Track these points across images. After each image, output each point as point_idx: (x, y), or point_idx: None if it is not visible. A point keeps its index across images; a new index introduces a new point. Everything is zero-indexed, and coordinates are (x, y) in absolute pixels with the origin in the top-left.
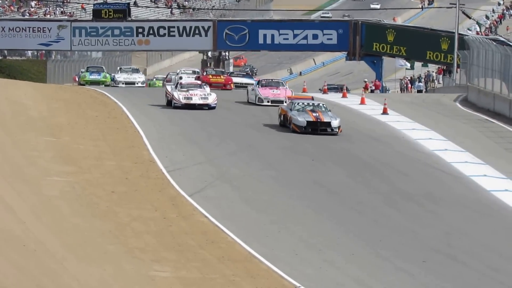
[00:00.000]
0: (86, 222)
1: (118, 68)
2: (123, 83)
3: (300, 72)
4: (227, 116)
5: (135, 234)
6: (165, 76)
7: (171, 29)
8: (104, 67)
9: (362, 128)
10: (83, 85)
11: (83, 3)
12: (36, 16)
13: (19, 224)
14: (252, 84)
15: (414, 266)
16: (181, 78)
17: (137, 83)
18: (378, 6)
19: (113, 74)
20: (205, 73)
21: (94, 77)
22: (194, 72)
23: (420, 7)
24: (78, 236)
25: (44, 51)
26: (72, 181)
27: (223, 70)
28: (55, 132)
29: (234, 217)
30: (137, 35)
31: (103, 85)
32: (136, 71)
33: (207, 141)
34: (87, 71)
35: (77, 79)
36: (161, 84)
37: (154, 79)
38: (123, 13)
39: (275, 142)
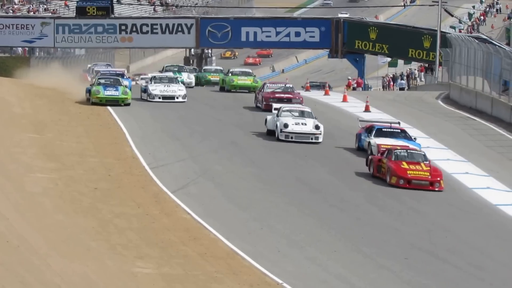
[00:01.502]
0: (69, 219)
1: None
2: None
3: (283, 70)
4: (210, 113)
5: (118, 231)
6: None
7: (154, 27)
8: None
9: (344, 126)
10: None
11: (66, 0)
12: (20, 13)
13: (2, 220)
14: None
15: (396, 263)
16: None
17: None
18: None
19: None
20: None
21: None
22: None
23: (403, 4)
24: (61, 233)
25: (27, 48)
26: (55, 178)
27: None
28: (38, 129)
29: (217, 214)
30: (120, 32)
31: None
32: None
33: (190, 138)
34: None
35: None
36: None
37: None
38: (106, 10)
39: (258, 139)
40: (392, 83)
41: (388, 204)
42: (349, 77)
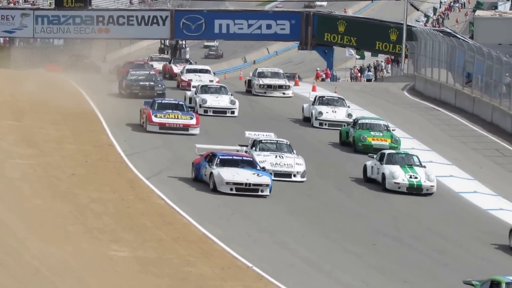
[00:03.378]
0: (47, 203)
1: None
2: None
3: (254, 61)
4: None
5: (94, 215)
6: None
7: (130, 18)
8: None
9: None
10: None
11: None
12: (0, 5)
13: None
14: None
15: (363, 248)
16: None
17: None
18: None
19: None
20: None
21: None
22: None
23: None
24: (39, 217)
25: (7, 38)
26: (33, 164)
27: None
28: (17, 116)
29: (190, 200)
30: (97, 24)
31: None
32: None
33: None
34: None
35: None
36: None
37: None
38: (84, 2)
39: (231, 127)
40: (359, 74)
41: (355, 191)
42: (318, 68)
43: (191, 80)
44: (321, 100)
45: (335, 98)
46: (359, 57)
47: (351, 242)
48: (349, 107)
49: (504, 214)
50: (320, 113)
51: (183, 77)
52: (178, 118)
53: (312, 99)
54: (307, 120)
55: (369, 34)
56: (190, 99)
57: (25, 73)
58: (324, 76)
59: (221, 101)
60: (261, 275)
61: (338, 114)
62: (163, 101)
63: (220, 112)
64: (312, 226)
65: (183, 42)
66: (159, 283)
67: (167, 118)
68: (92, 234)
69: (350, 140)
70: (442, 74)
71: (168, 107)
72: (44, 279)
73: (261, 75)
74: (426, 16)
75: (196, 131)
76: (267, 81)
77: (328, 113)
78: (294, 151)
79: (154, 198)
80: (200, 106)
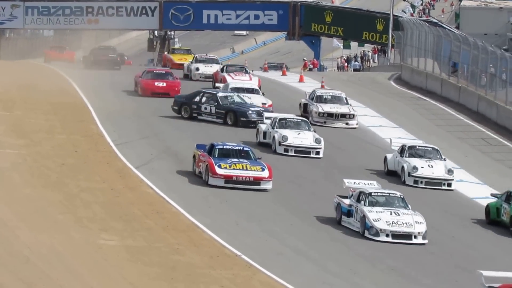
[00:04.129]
0: (37, 193)
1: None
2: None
3: (242, 51)
4: None
5: (83, 204)
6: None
7: (119, 9)
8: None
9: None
10: None
11: None
12: None
13: None
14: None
15: (350, 237)
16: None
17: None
18: None
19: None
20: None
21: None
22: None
23: None
24: (29, 206)
25: None
26: (24, 154)
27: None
28: (7, 107)
29: (179, 189)
30: (86, 15)
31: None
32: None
33: (153, 116)
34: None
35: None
36: None
37: None
38: None
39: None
40: (346, 64)
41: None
42: (305, 58)
43: None
44: (412, 151)
45: (429, 148)
46: (344, 47)
47: (339, 231)
48: (445, 159)
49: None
50: (415, 168)
51: None
52: (247, 169)
53: (398, 148)
54: (391, 174)
55: (356, 24)
56: (265, 133)
57: (15, 64)
58: (311, 66)
59: (304, 138)
60: (250, 264)
61: (436, 169)
62: (224, 147)
63: (303, 152)
64: (300, 214)
65: (172, 32)
66: (148, 272)
67: (234, 169)
68: (81, 223)
69: (505, 219)
70: (428, 64)
71: (232, 154)
72: (34, 267)
73: (320, 99)
74: (412, 6)
75: (269, 185)
76: (327, 108)
77: (424, 168)
78: (410, 206)
79: (143, 187)
80: (280, 144)
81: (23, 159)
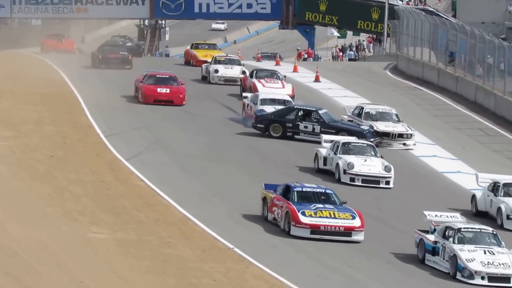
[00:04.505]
0: (26, 185)
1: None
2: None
3: (235, 41)
4: None
5: (73, 197)
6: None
7: None
8: None
9: (294, 95)
10: None
11: None
12: None
13: None
14: None
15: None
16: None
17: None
18: None
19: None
20: None
21: None
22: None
23: None
24: (17, 199)
25: None
26: (11, 145)
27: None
28: None
29: (170, 181)
30: (75, 3)
31: None
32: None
33: (144, 107)
34: None
35: None
36: None
37: None
38: None
39: (210, 108)
40: (341, 54)
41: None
42: (299, 48)
43: None
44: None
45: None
46: (340, 35)
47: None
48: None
49: None
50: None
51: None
52: (335, 217)
53: (489, 185)
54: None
55: (351, 13)
56: (325, 159)
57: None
58: (306, 55)
59: (372, 166)
60: (242, 257)
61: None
62: (304, 189)
63: (371, 182)
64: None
65: (163, 22)
66: (139, 265)
67: (321, 217)
68: (71, 216)
69: None
70: (425, 53)
71: (314, 198)
72: (23, 261)
73: (369, 116)
74: None
75: (361, 236)
76: (382, 126)
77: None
78: (503, 243)
79: (134, 179)
80: (345, 172)
81: (11, 151)
